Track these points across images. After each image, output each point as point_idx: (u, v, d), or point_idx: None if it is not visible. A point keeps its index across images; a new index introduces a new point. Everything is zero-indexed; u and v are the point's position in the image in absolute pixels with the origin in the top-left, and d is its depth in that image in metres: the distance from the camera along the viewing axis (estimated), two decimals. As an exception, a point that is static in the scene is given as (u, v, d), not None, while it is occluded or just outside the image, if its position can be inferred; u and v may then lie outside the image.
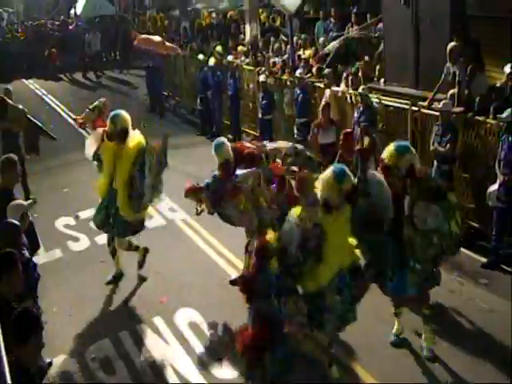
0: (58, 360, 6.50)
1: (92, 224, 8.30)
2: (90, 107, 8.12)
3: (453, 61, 9.15)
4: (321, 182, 5.43)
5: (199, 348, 6.67)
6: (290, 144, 7.88)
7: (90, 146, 7.91)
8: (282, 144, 7.95)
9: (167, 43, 14.56)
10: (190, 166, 12.58)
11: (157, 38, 15.07)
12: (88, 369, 6.49)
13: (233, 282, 7.50)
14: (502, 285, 7.45)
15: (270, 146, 7.81)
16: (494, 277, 7.69)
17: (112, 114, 7.66)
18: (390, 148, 5.92)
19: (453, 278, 7.60)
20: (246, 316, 6.97)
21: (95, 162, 7.92)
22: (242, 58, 14.75)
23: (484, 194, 7.92)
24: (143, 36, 12.82)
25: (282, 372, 5.28)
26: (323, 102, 10.73)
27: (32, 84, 22.40)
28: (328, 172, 5.45)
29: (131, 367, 6.44)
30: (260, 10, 18.95)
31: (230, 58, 14.46)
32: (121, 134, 7.56)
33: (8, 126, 10.62)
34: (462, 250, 8.17)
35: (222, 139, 7.53)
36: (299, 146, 7.76)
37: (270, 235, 5.42)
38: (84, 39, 23.42)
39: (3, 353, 3.17)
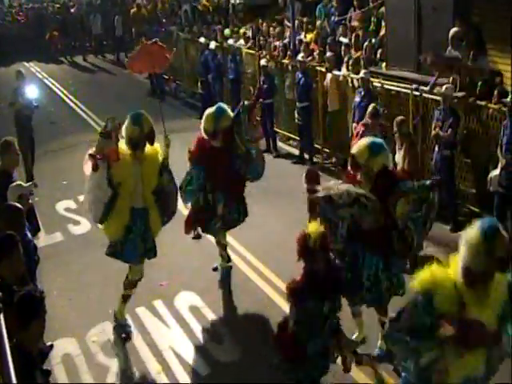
0: (58, 343, 6.54)
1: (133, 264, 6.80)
2: (102, 132, 6.40)
3: (455, 46, 9.09)
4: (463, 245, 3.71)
5: (199, 331, 6.70)
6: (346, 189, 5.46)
7: (95, 180, 6.38)
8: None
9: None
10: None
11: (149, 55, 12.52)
12: (89, 352, 6.52)
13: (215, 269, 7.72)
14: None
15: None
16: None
17: (133, 116, 6.38)
18: (363, 145, 5.43)
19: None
20: (245, 299, 7.08)
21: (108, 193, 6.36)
22: (242, 42, 14.65)
23: (485, 178, 7.91)
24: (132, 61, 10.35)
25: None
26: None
27: (33, 67, 22.33)
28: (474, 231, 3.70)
29: (132, 350, 6.47)
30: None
31: (230, 41, 14.37)
32: (150, 137, 6.40)
33: (20, 108, 10.76)
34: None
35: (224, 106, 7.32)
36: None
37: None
38: (84, 22, 23.31)
39: (5, 336, 3.18)
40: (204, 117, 7.11)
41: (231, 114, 7.19)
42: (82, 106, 16.51)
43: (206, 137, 7.13)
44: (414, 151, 7.95)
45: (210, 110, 7.11)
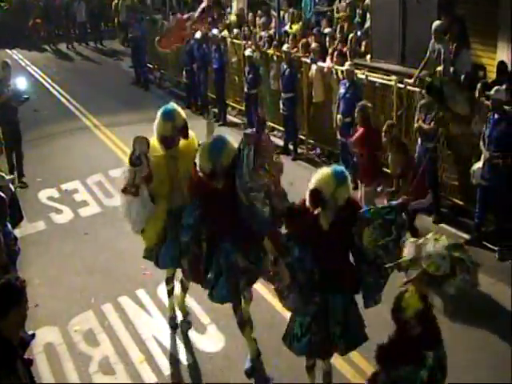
0: (40, 332, 6.49)
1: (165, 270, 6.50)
2: (131, 159, 5.72)
3: (438, 38, 9.13)
4: None
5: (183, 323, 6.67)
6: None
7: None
8: None
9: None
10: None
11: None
12: (71, 341, 6.51)
13: None
14: (483, 261, 7.52)
15: None
16: (477, 253, 7.75)
17: (163, 111, 5.89)
18: (327, 175, 4.69)
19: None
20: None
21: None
22: (226, 33, 14.58)
23: (468, 171, 7.96)
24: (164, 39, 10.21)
25: None
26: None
27: (15, 54, 22.05)
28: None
29: (114, 340, 6.46)
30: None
31: (215, 31, 14.27)
32: (184, 130, 5.94)
33: (6, 100, 10.29)
34: (446, 226, 8.33)
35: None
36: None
37: None
38: (69, 9, 23.07)
39: None
40: (199, 151, 5.55)
41: (234, 147, 5.42)
42: (66, 94, 16.35)
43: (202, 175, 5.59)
44: (400, 156, 7.77)
45: (205, 145, 5.57)
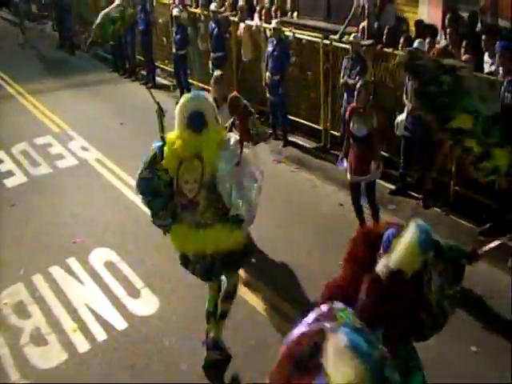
0: (-33, 307, 6.35)
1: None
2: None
3: (362, -7, 9.19)
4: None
5: (115, 286, 6.64)
6: None
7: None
8: None
9: None
10: (104, 103, 12.28)
11: None
12: (1, 314, 6.35)
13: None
14: (409, 210, 7.79)
15: None
16: (402, 202, 8.04)
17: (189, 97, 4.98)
18: (409, 243, 3.37)
19: (363, 205, 7.85)
20: (161, 252, 7.01)
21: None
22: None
23: (392, 123, 8.12)
24: None
25: None
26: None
27: None
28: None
29: (46, 310, 6.35)
30: None
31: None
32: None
33: None
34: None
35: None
36: None
37: None
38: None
39: None
40: None
41: None
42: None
43: None
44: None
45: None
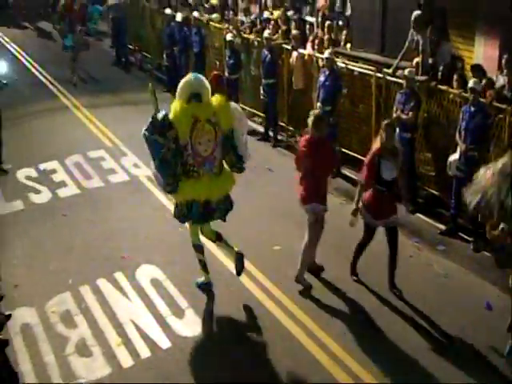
0: (17, 312, 6.50)
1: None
2: None
3: (417, 29, 9.21)
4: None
5: (160, 304, 6.75)
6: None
7: None
8: None
9: None
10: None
11: None
12: (48, 322, 6.52)
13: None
14: (458, 252, 7.73)
15: None
16: (452, 244, 7.94)
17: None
18: None
19: (412, 244, 7.85)
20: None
21: None
22: (207, 16, 14.52)
23: (445, 162, 8.08)
24: None
25: None
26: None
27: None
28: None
29: (92, 322, 6.49)
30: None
31: (196, 13, 14.20)
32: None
33: None
34: (422, 216, 8.49)
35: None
36: None
37: None
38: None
39: None
40: None
41: None
42: (46, 73, 16.14)
43: None
44: None
45: None
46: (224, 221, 6.70)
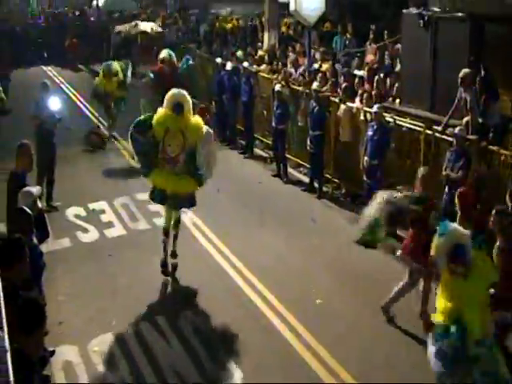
0: (60, 350, 6.59)
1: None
2: None
3: (465, 87, 9.24)
4: None
5: (201, 353, 6.72)
6: None
7: None
8: None
9: None
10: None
11: None
12: (90, 361, 6.57)
13: None
14: None
15: None
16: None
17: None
18: None
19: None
20: (249, 324, 7.11)
21: None
22: (256, 67, 14.85)
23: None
24: None
25: None
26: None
27: (50, 71, 22.54)
28: None
29: (133, 367, 6.48)
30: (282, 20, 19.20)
31: (245, 64, 14.54)
32: None
33: (42, 123, 10.42)
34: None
35: None
36: None
37: None
38: (104, 32, 23.59)
39: (7, 341, 3.24)
40: None
41: None
42: (97, 114, 16.60)
43: None
44: None
45: None
46: (176, 211, 8.16)
